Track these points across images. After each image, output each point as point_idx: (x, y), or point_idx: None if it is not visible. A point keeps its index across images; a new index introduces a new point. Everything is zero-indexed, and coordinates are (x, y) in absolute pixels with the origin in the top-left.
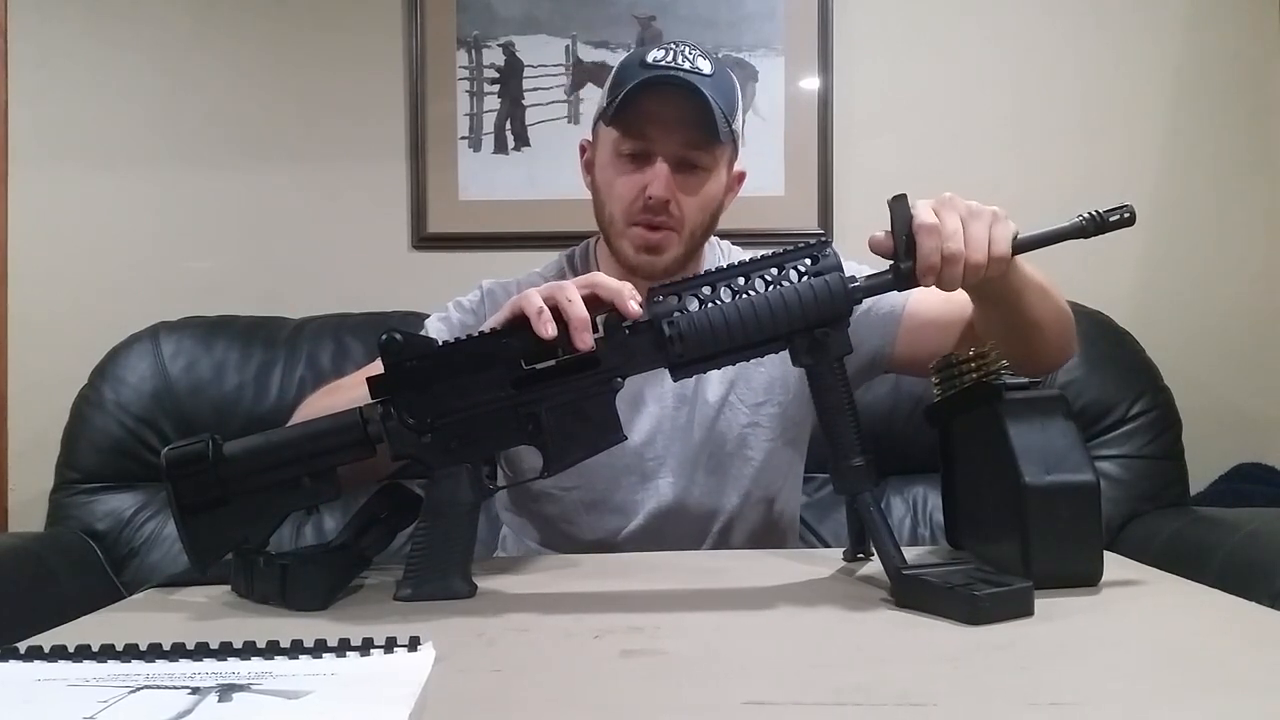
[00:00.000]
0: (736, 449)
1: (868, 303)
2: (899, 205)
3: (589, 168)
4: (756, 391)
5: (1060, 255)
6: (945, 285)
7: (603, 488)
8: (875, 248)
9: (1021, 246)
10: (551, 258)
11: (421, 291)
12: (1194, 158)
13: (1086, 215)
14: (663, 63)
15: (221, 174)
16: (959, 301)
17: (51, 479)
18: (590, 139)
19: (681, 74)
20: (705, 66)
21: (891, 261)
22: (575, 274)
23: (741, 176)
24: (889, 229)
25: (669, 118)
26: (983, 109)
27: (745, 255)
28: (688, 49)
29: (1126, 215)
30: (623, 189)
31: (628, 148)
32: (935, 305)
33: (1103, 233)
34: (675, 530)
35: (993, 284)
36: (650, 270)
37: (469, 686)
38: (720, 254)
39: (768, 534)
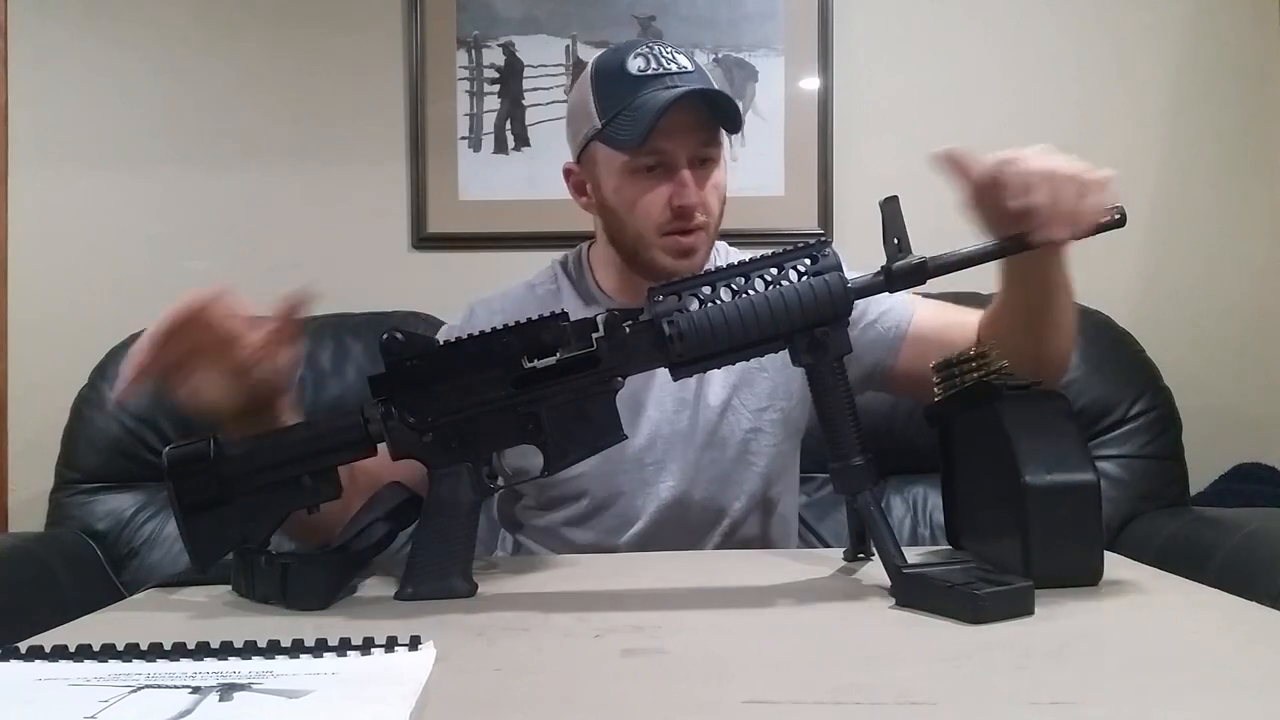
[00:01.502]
0: (740, 454)
1: (872, 315)
2: (890, 207)
3: (581, 190)
4: (760, 397)
5: None
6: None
7: (603, 495)
8: (946, 159)
9: (1011, 249)
10: (544, 265)
11: (421, 291)
12: (1194, 158)
13: None
14: (650, 71)
15: (221, 174)
16: (963, 323)
17: (51, 479)
18: (575, 163)
19: (686, 80)
20: (687, 62)
21: (888, 260)
22: (570, 282)
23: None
24: (882, 228)
25: (682, 125)
26: (983, 109)
27: (742, 255)
28: (663, 49)
29: (1117, 217)
30: (648, 205)
31: (642, 163)
32: (940, 325)
33: (1093, 234)
34: (677, 534)
35: (1050, 270)
36: (688, 272)
37: (469, 686)
38: (714, 251)
39: (769, 536)
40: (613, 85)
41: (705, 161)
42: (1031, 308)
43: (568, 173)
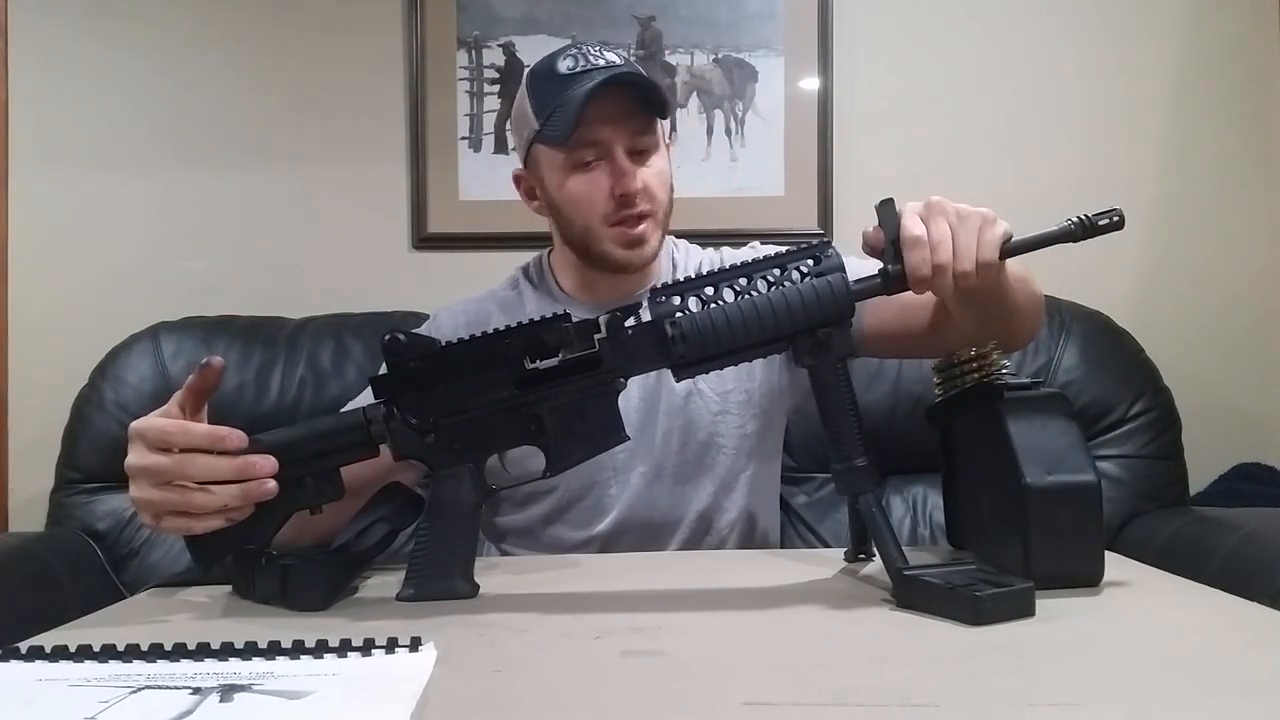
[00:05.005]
0: (708, 437)
1: None
2: (886, 209)
3: (531, 194)
4: (724, 379)
5: (1061, 255)
6: (938, 293)
7: (576, 487)
8: (866, 243)
9: (1008, 252)
10: (507, 273)
11: (421, 291)
12: (1194, 158)
13: (1075, 219)
14: (578, 69)
15: (221, 174)
16: None
17: (51, 479)
18: (523, 169)
19: (606, 71)
20: (615, 59)
21: (884, 262)
22: (532, 285)
23: (668, 149)
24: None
25: (610, 115)
26: (983, 109)
27: (704, 254)
28: (590, 48)
29: (1115, 219)
30: (591, 196)
31: (580, 157)
32: None
33: (1091, 236)
34: (651, 521)
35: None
36: (640, 261)
37: (470, 686)
38: (673, 247)
39: (746, 522)
40: (545, 86)
41: (643, 151)
42: (984, 306)
43: (518, 179)
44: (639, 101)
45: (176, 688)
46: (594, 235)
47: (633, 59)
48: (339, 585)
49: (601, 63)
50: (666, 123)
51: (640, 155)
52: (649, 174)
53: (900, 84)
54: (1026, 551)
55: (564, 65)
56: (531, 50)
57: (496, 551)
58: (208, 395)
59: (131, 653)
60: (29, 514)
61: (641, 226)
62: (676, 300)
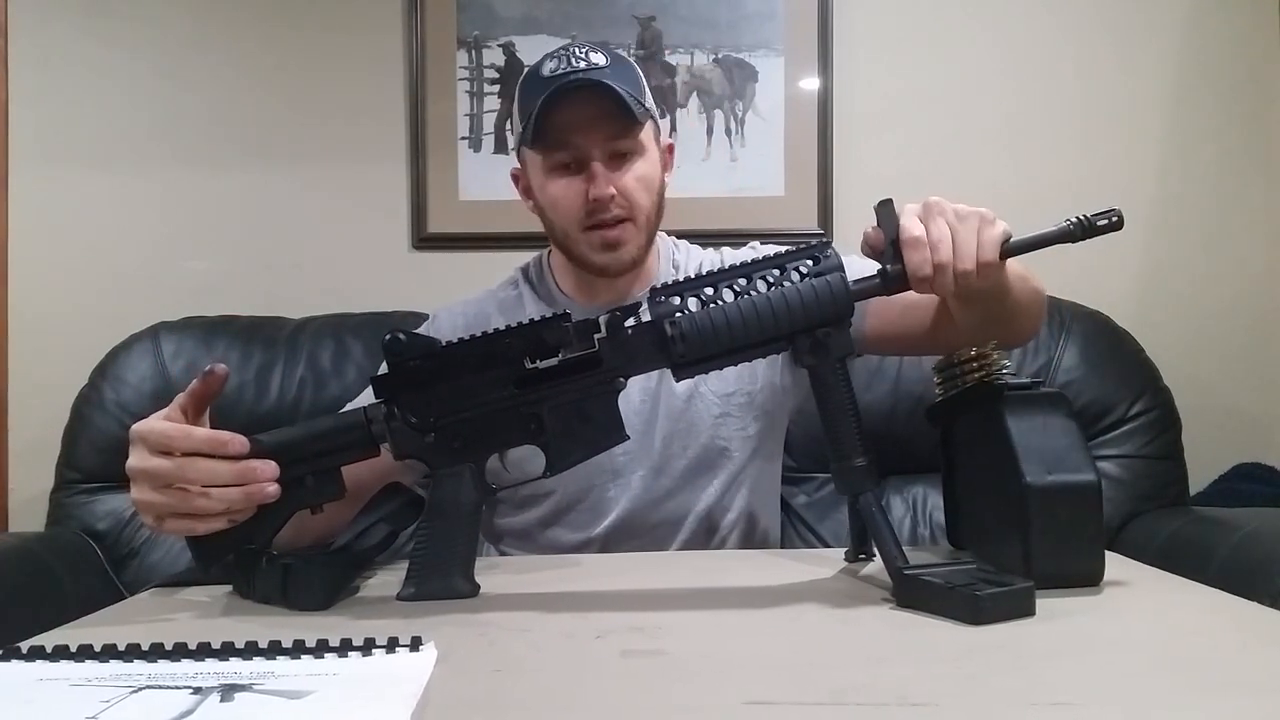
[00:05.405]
0: (710, 439)
1: None
2: (885, 210)
3: (527, 193)
4: (726, 381)
5: (1061, 255)
6: (939, 292)
7: (574, 490)
8: (866, 243)
9: (1008, 252)
10: (507, 273)
11: (421, 291)
12: (1194, 158)
13: (1074, 220)
14: (559, 72)
15: (221, 174)
16: None
17: (51, 479)
18: (519, 167)
19: (579, 75)
20: (601, 60)
21: (883, 263)
22: (533, 289)
23: (671, 149)
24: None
25: (584, 120)
26: (983, 109)
27: (705, 254)
28: (577, 49)
29: (1114, 220)
30: (566, 201)
31: (557, 160)
32: None
33: (1090, 237)
34: (652, 524)
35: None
36: (618, 265)
37: (470, 686)
38: (674, 248)
39: (749, 523)
40: (529, 89)
41: (626, 155)
42: (985, 306)
43: (516, 178)
44: (618, 104)
45: (177, 687)
46: (571, 239)
47: (632, 59)
48: (339, 585)
49: (582, 65)
50: (666, 121)
51: (619, 159)
52: (628, 179)
53: (900, 84)
54: (1026, 551)
55: (547, 67)
56: (531, 50)
57: (495, 552)
58: (210, 401)
59: (132, 652)
60: (29, 514)
61: (616, 231)
62: (676, 300)
